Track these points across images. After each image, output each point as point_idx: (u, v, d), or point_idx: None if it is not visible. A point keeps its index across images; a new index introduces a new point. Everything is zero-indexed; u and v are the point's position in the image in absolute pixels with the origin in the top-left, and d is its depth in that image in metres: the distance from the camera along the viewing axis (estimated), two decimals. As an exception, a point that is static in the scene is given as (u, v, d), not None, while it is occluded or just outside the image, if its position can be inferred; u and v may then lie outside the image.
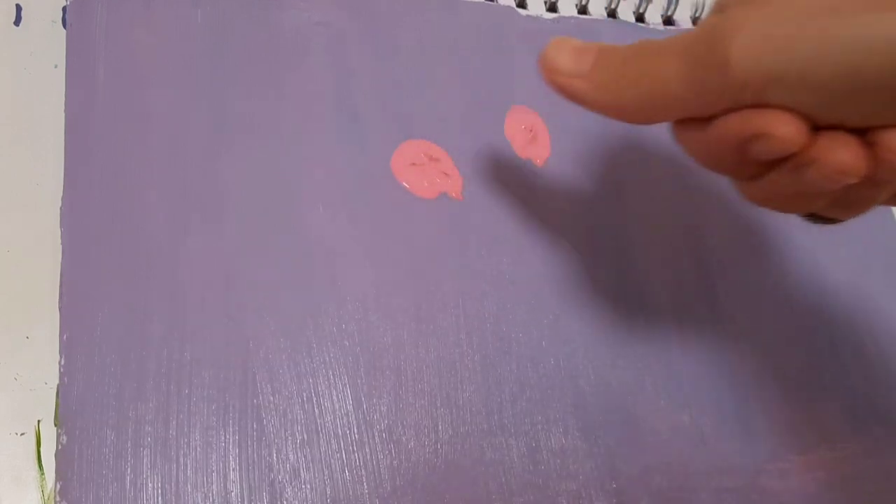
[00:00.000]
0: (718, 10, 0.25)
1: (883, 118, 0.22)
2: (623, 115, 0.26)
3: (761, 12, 0.22)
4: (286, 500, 0.27)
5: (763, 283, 0.38)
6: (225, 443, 0.27)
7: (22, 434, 0.26)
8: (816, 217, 0.28)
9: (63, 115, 0.29)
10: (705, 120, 0.24)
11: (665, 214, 0.37)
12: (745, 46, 0.22)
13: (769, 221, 0.39)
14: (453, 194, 0.34)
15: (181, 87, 0.31)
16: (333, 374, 0.29)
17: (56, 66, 0.31)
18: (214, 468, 0.27)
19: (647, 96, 0.25)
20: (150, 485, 0.26)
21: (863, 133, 0.23)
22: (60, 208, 0.28)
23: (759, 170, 0.25)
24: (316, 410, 0.29)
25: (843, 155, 0.22)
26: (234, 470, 0.27)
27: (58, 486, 0.25)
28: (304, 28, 0.34)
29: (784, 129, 0.22)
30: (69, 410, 0.26)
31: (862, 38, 0.21)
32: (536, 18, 0.39)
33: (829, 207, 0.26)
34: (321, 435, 0.28)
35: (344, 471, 0.28)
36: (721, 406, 0.35)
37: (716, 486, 0.33)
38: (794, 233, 0.39)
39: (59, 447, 0.26)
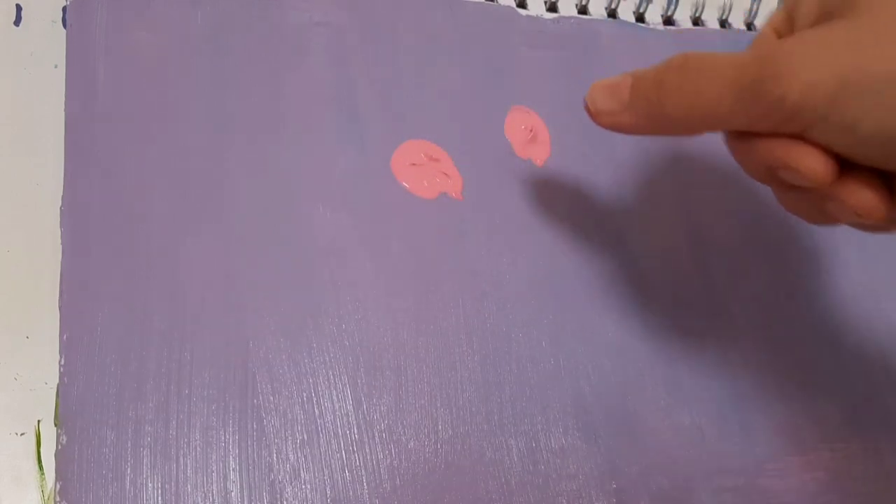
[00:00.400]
0: (786, 17, 0.25)
1: None
2: (670, 132, 0.27)
3: (824, 50, 0.22)
4: (286, 499, 0.27)
5: (764, 283, 0.38)
6: (225, 443, 0.27)
7: (22, 434, 0.26)
8: None
9: (63, 115, 0.29)
10: (748, 138, 0.25)
11: (665, 214, 0.37)
12: (804, 89, 0.22)
13: (769, 222, 0.39)
14: (453, 194, 0.34)
15: (181, 87, 0.31)
16: (333, 374, 0.29)
17: (56, 66, 0.31)
18: (214, 468, 0.27)
19: (691, 113, 0.25)
20: (150, 485, 0.26)
21: (890, 177, 0.23)
22: (60, 208, 0.28)
23: (790, 187, 0.25)
24: (316, 410, 0.29)
25: (865, 199, 0.23)
26: (233, 470, 0.27)
27: (58, 486, 0.25)
28: (304, 28, 0.34)
29: (811, 166, 0.23)
30: (69, 410, 0.26)
31: None
32: (537, 18, 0.39)
33: (857, 227, 0.26)
34: (321, 435, 0.28)
35: (344, 471, 0.28)
36: (721, 406, 0.35)
37: (716, 486, 0.33)
38: (795, 234, 0.39)
39: (59, 447, 0.26)
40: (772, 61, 0.23)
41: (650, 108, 0.26)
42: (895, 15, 0.21)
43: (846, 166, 0.23)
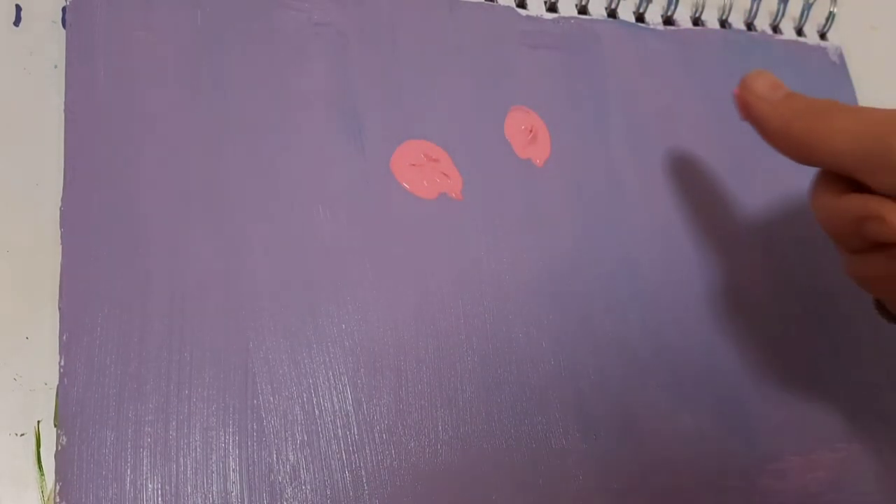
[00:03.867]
0: None
1: None
2: (785, 142, 0.30)
3: None
4: (286, 500, 0.27)
5: (764, 283, 0.38)
6: (225, 443, 0.27)
7: (22, 435, 0.26)
8: (889, 315, 0.32)
9: (63, 115, 0.29)
10: (841, 192, 0.28)
11: (665, 214, 0.37)
12: None
13: (770, 222, 0.39)
14: (453, 194, 0.34)
15: (181, 86, 0.31)
16: (333, 375, 0.29)
17: (56, 67, 0.31)
18: (214, 469, 0.27)
19: (814, 135, 0.29)
20: (149, 485, 0.26)
21: None
22: (60, 208, 0.28)
23: (866, 246, 0.28)
24: (316, 411, 0.29)
25: None
26: (234, 470, 0.27)
27: (57, 487, 0.25)
28: (304, 28, 0.34)
29: None
30: (69, 411, 0.26)
31: None
32: (536, 18, 0.39)
33: None
34: (321, 435, 0.28)
35: (344, 471, 0.28)
36: (721, 406, 0.35)
37: (716, 486, 0.33)
38: (794, 233, 0.39)
39: (59, 448, 0.26)
40: (892, 117, 0.27)
41: (789, 113, 0.30)
42: None
43: None
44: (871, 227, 0.27)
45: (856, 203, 0.27)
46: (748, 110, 0.32)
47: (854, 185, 0.28)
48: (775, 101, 0.31)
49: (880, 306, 0.33)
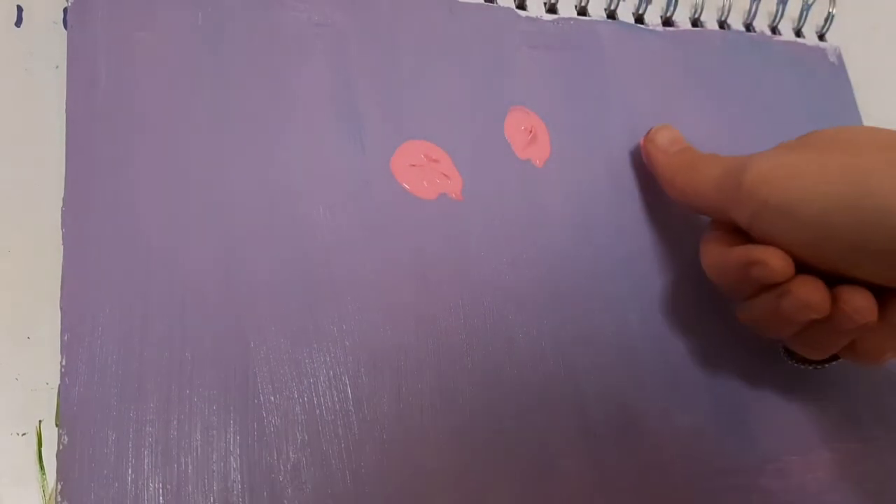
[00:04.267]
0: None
1: (842, 271, 0.28)
2: (671, 190, 0.35)
3: (780, 159, 0.30)
4: (287, 500, 0.27)
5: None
6: (226, 443, 0.27)
7: (23, 434, 0.26)
8: (794, 356, 0.35)
9: (64, 115, 0.29)
10: (728, 244, 0.32)
11: (665, 214, 0.37)
12: (753, 176, 0.29)
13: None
14: (453, 195, 0.34)
15: (181, 87, 0.31)
16: (334, 375, 0.29)
17: (57, 67, 0.31)
18: (215, 468, 0.27)
19: (690, 185, 0.33)
20: (151, 485, 0.26)
21: (831, 280, 0.29)
22: (61, 208, 0.28)
23: (752, 291, 0.31)
24: (317, 410, 0.29)
25: (811, 293, 0.29)
26: (234, 470, 0.27)
27: (59, 487, 0.25)
28: (304, 28, 0.34)
29: (775, 262, 0.29)
30: (70, 411, 0.26)
31: (832, 197, 0.27)
32: (536, 19, 0.39)
33: (799, 341, 0.32)
34: (322, 435, 0.28)
35: (344, 471, 0.28)
36: (721, 406, 0.35)
37: (716, 486, 0.33)
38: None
39: (61, 447, 0.26)
40: (746, 160, 0.31)
41: (677, 165, 0.34)
42: (820, 146, 0.30)
43: (799, 271, 0.30)
44: (755, 271, 0.30)
45: (741, 252, 0.31)
46: (647, 159, 0.36)
47: (737, 239, 0.32)
48: (670, 155, 0.35)
49: (787, 352, 0.35)
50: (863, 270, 0.28)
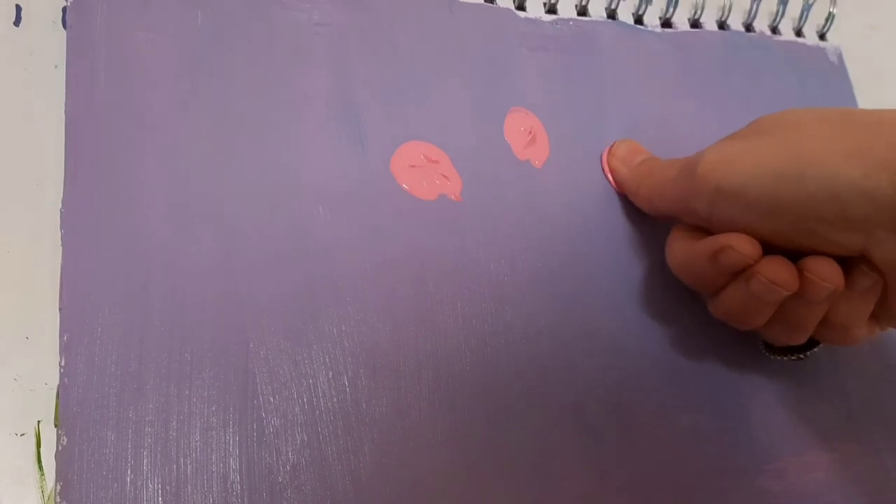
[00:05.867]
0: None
1: (802, 244, 0.29)
2: (637, 200, 0.36)
3: (728, 146, 0.31)
4: (286, 500, 0.27)
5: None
6: (225, 444, 0.27)
7: (22, 435, 0.26)
8: (774, 349, 0.35)
9: (63, 115, 0.29)
10: (693, 240, 0.32)
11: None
12: (706, 164, 0.31)
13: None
14: (452, 196, 0.34)
15: (181, 87, 0.31)
16: (333, 375, 0.29)
17: (56, 67, 0.31)
18: (215, 469, 0.27)
19: (653, 191, 0.34)
20: (150, 486, 0.26)
21: (796, 259, 0.30)
22: (60, 209, 0.28)
23: (721, 280, 0.32)
24: (316, 412, 0.29)
25: (777, 271, 0.30)
26: (234, 471, 0.27)
27: (58, 487, 0.25)
28: (304, 28, 0.34)
29: (742, 244, 0.30)
30: (69, 411, 0.26)
31: (777, 172, 0.28)
32: (535, 20, 0.39)
33: (774, 327, 0.32)
34: (321, 436, 0.28)
35: (344, 473, 0.28)
36: (720, 407, 0.35)
37: (714, 485, 0.33)
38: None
39: (60, 448, 0.26)
40: (699, 153, 0.32)
41: (639, 175, 0.36)
42: (766, 129, 0.31)
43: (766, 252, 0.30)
44: (723, 258, 0.30)
45: (706, 242, 0.31)
46: (613, 175, 0.37)
47: (701, 235, 0.32)
48: (632, 167, 0.36)
49: (767, 345, 0.35)
50: (819, 241, 0.29)
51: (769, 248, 0.30)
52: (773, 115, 0.32)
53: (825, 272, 0.29)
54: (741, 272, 0.31)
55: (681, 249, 0.33)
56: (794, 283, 0.30)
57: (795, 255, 0.30)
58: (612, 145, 0.37)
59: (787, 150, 0.29)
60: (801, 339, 0.33)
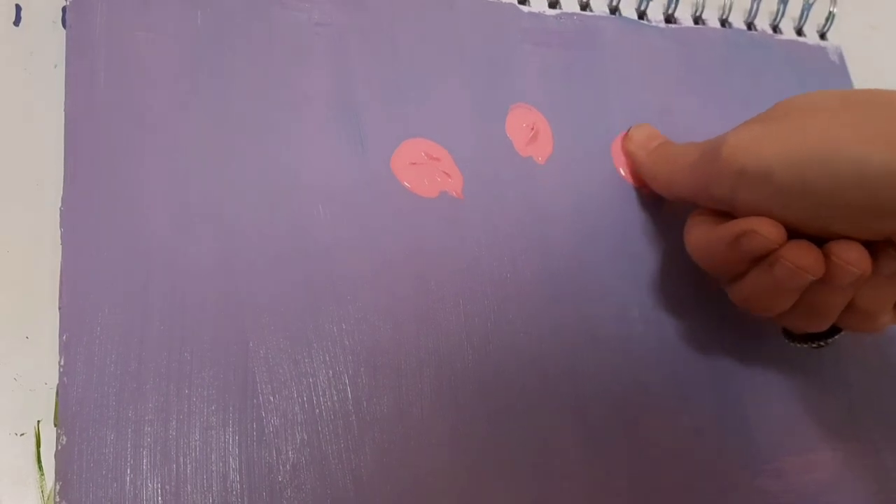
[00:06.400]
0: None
1: (828, 229, 0.29)
2: (655, 184, 0.35)
3: (752, 129, 0.30)
4: (286, 500, 0.27)
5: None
6: (225, 443, 0.27)
7: (22, 434, 0.26)
8: (794, 336, 0.34)
9: (63, 114, 0.29)
10: (714, 224, 0.31)
11: (667, 211, 0.37)
12: (729, 147, 0.30)
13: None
14: (454, 193, 0.34)
15: (181, 87, 0.31)
16: (333, 374, 0.29)
17: (56, 66, 0.31)
18: (214, 468, 0.27)
19: (672, 175, 0.34)
20: (149, 485, 0.26)
21: (821, 244, 0.29)
22: (60, 208, 0.28)
23: (743, 266, 0.31)
24: (316, 411, 0.29)
25: (802, 256, 0.29)
26: (234, 470, 0.27)
27: (58, 487, 0.25)
28: (304, 28, 0.34)
29: (766, 228, 0.29)
30: (69, 411, 0.26)
31: (805, 155, 0.28)
32: (538, 15, 0.39)
33: (797, 313, 0.31)
34: (321, 435, 0.28)
35: (344, 471, 0.28)
36: (720, 406, 0.35)
37: (715, 486, 0.33)
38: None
39: (59, 447, 0.26)
40: (720, 136, 0.31)
41: (656, 159, 0.35)
42: (786, 112, 0.30)
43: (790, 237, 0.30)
44: (745, 242, 0.30)
45: (729, 226, 0.31)
46: (628, 159, 0.37)
47: (721, 220, 0.31)
48: (648, 151, 0.36)
49: (786, 332, 0.35)
50: (846, 226, 0.28)
51: (792, 233, 0.29)
52: (796, 97, 0.31)
53: (852, 257, 0.28)
54: (764, 257, 0.30)
55: (700, 234, 0.32)
56: (821, 268, 0.29)
57: (819, 240, 0.29)
58: (629, 130, 0.37)
59: (814, 133, 0.28)
60: (824, 326, 0.32)
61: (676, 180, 0.34)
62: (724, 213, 0.32)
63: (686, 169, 0.33)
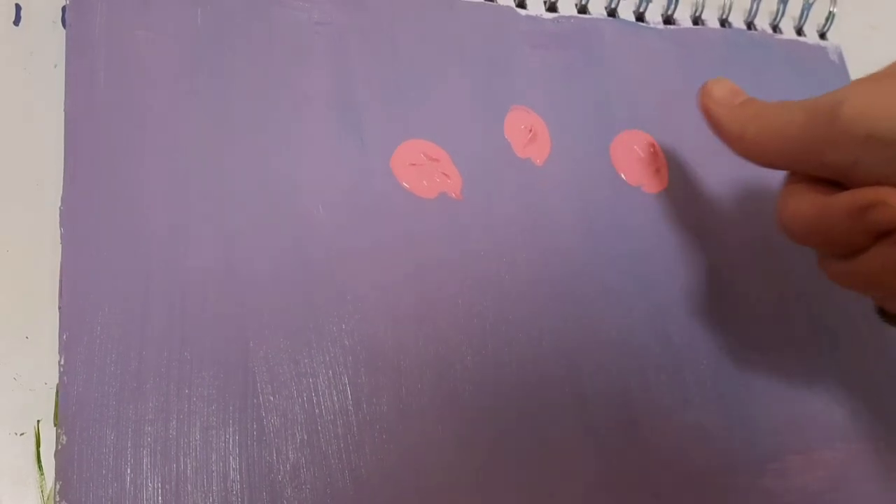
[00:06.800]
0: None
1: None
2: (742, 145, 0.31)
3: (877, 86, 0.27)
4: (286, 500, 0.27)
5: (767, 283, 0.38)
6: (225, 443, 0.27)
7: (21, 434, 0.26)
8: (891, 317, 0.31)
9: (63, 114, 0.29)
10: (823, 193, 0.28)
11: (667, 211, 0.37)
12: (853, 107, 0.26)
13: (770, 221, 0.39)
14: (453, 194, 0.34)
15: (181, 86, 0.31)
16: (333, 374, 0.29)
17: (56, 66, 0.31)
18: (214, 468, 0.27)
19: (767, 132, 0.29)
20: (150, 485, 0.26)
21: None
22: (60, 208, 0.28)
23: (863, 241, 0.27)
24: (316, 410, 0.29)
25: None
26: (234, 470, 0.27)
27: (57, 486, 0.25)
28: (304, 28, 0.34)
29: None
30: (69, 410, 0.26)
31: None
32: (536, 18, 0.39)
33: None
34: (321, 435, 0.28)
35: (344, 471, 0.28)
36: (723, 405, 0.35)
37: (717, 485, 0.33)
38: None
39: (59, 447, 0.26)
40: (835, 94, 0.27)
41: (744, 116, 0.31)
42: None
43: None
44: (874, 215, 0.26)
45: (849, 196, 0.27)
46: (707, 115, 0.32)
47: (828, 189, 0.28)
48: (733, 108, 0.32)
49: (883, 312, 0.32)
50: None
51: None
52: None
53: None
54: (891, 232, 0.26)
55: (806, 204, 0.29)
56: None
57: None
58: (706, 84, 0.33)
59: None
60: None
61: (773, 142, 0.29)
62: (831, 182, 0.28)
63: (788, 130, 0.28)
